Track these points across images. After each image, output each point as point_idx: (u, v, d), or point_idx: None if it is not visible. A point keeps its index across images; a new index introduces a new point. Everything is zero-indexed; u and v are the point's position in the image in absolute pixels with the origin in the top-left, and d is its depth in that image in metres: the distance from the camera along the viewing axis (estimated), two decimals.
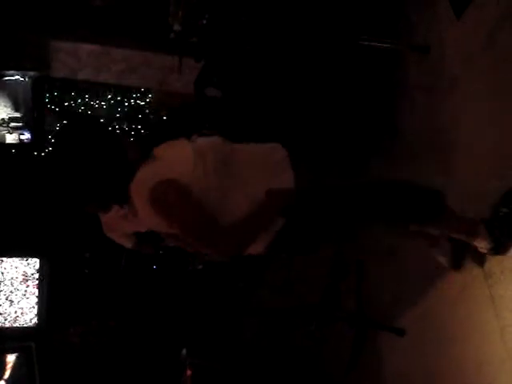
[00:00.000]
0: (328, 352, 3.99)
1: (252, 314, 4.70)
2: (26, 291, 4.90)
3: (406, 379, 3.34)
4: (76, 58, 4.78)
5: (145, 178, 2.04)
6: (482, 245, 2.47)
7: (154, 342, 4.89)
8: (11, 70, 4.67)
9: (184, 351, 4.29)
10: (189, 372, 4.22)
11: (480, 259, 2.68)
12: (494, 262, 2.60)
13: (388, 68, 3.60)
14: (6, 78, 4.69)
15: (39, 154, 5.01)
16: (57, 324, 4.91)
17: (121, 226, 3.25)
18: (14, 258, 4.92)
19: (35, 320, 4.87)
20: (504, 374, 2.54)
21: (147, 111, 5.13)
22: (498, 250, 2.47)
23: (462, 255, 2.64)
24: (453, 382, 2.91)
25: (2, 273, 4.87)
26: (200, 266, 4.24)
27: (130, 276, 4.82)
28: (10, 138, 4.77)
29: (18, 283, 4.89)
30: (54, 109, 5.02)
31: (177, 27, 3.76)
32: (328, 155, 3.70)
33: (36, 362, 4.60)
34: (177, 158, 2.09)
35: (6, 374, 4.56)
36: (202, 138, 2.21)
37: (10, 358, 4.61)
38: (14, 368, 4.59)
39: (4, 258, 4.90)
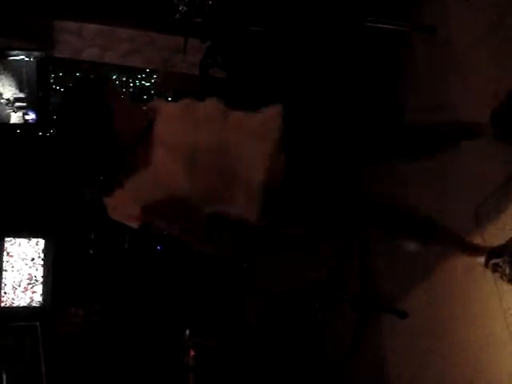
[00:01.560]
0: (329, 335, 4.00)
1: (254, 295, 4.71)
2: (31, 271, 4.92)
3: (407, 362, 3.35)
4: (80, 38, 4.76)
5: (136, 187, 2.17)
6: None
7: (156, 323, 4.90)
8: (16, 50, 4.65)
9: (187, 332, 4.31)
10: (192, 352, 4.24)
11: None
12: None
13: (394, 49, 3.57)
14: (11, 58, 4.67)
15: (44, 134, 5.01)
16: (61, 304, 4.93)
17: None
18: (20, 239, 4.94)
19: (40, 300, 4.91)
20: (506, 357, 2.55)
21: (152, 92, 5.11)
22: None
23: None
24: (455, 365, 2.92)
25: (8, 253, 4.89)
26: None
27: (134, 257, 4.83)
28: (15, 118, 4.77)
29: (23, 264, 4.91)
30: (59, 89, 5.00)
31: (182, 7, 3.73)
32: (330, 136, 3.68)
33: (41, 342, 4.63)
34: (168, 172, 2.13)
35: (12, 353, 4.60)
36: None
37: (16, 337, 4.65)
38: (19, 346, 4.62)
39: (10, 239, 4.92)
